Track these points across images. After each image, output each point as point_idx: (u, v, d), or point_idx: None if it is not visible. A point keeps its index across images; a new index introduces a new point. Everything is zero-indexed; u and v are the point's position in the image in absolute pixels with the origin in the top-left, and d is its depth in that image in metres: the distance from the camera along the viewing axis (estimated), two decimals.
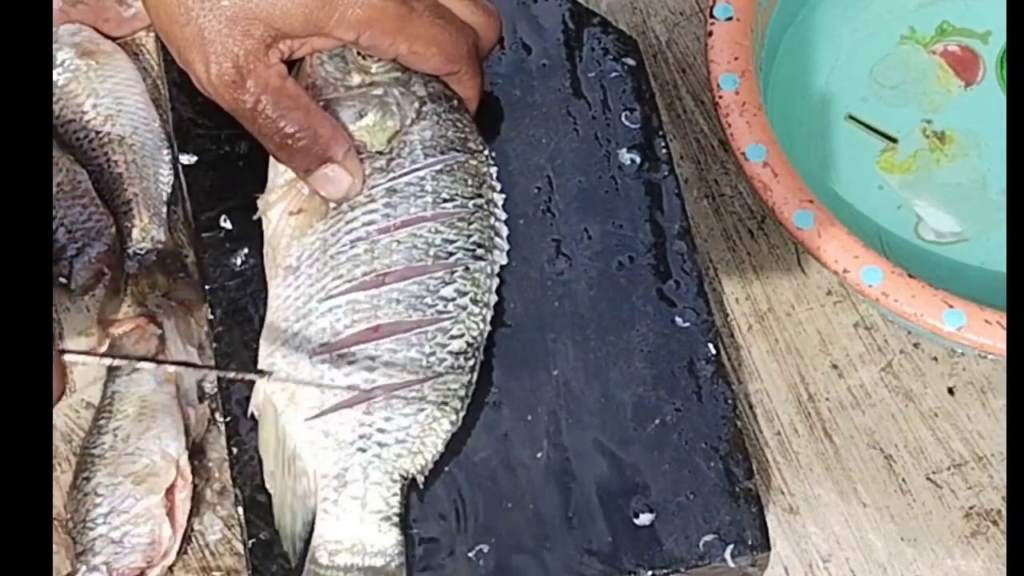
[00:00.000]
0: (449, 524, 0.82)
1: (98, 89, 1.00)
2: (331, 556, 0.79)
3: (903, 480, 0.95)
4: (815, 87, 1.03)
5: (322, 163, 0.82)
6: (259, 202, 0.85)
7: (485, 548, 0.81)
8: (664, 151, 0.91)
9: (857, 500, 0.95)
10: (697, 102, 1.05)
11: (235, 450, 0.83)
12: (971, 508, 0.94)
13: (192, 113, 0.90)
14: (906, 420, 0.96)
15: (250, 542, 0.81)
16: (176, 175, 0.95)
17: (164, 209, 0.98)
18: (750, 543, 0.82)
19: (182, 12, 0.80)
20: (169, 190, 0.99)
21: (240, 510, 0.82)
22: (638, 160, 0.91)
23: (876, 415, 0.97)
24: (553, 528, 0.81)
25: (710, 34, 0.95)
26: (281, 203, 0.84)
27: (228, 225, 0.87)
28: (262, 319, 0.84)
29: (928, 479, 0.95)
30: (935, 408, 0.97)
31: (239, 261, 0.87)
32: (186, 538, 0.91)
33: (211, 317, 0.85)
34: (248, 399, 0.83)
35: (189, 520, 0.92)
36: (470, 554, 0.81)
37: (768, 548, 0.82)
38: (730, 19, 0.95)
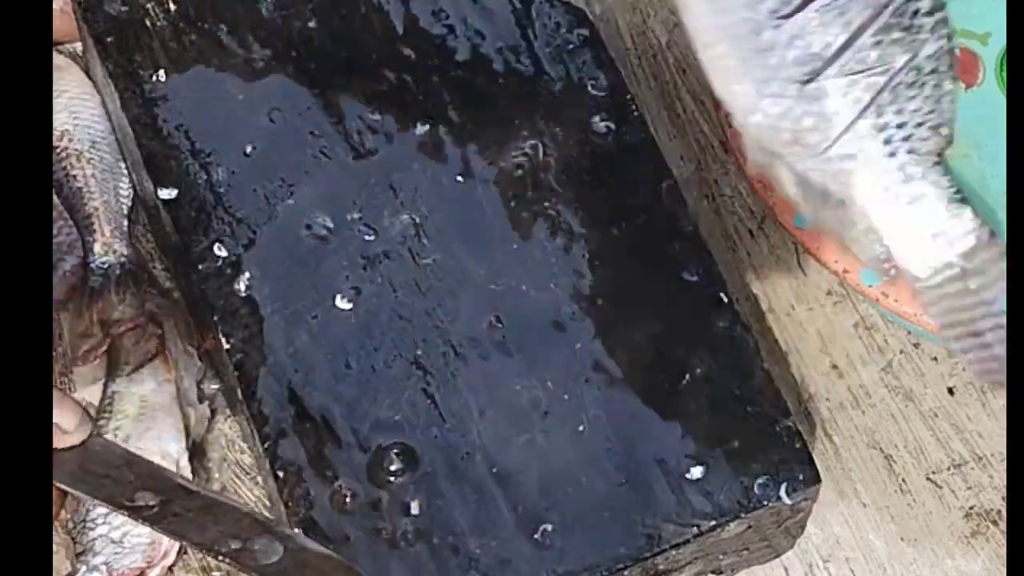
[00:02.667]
0: (507, 511, 0.82)
1: (53, 104, 0.99)
2: None
3: (903, 480, 0.95)
4: None
5: None
6: None
7: (549, 527, 0.82)
8: (636, 114, 0.92)
9: (857, 500, 0.95)
10: (697, 102, 1.05)
11: (281, 473, 0.83)
12: (971, 508, 0.94)
13: (162, 147, 0.90)
14: (906, 420, 0.97)
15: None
16: (155, 212, 0.94)
17: (125, 222, 0.98)
18: (801, 478, 0.83)
19: None
20: (129, 203, 0.99)
21: (298, 531, 0.82)
22: (613, 126, 0.91)
23: (876, 415, 0.97)
24: (609, 497, 0.82)
25: None
26: None
27: (223, 252, 0.87)
28: (284, 344, 0.84)
29: (928, 479, 0.95)
30: (935, 408, 0.97)
31: (242, 286, 0.87)
32: None
33: (227, 346, 0.85)
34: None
35: None
36: (536, 536, 0.82)
37: (819, 480, 0.84)
38: None
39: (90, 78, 1.02)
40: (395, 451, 0.83)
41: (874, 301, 0.89)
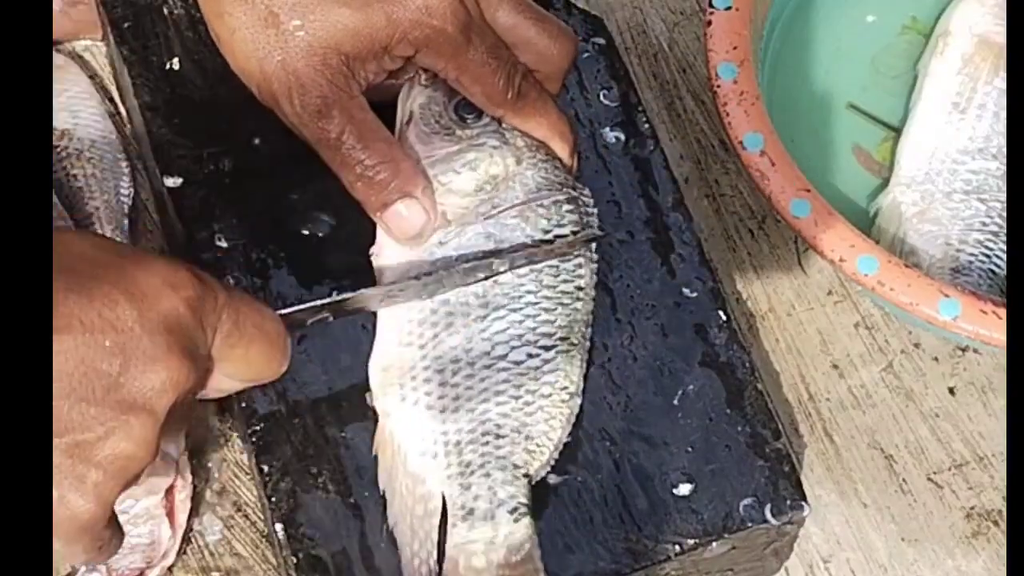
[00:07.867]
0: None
1: (53, 104, 0.99)
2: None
3: (904, 480, 0.95)
4: (816, 76, 1.03)
5: (401, 197, 0.82)
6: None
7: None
8: (647, 126, 0.91)
9: (858, 500, 0.95)
10: (697, 102, 1.05)
11: (265, 467, 0.82)
12: (972, 508, 0.94)
13: (171, 135, 0.90)
14: (907, 420, 0.96)
15: (293, 559, 0.81)
16: (161, 199, 0.94)
17: (126, 222, 0.98)
18: (788, 501, 0.83)
19: (259, 47, 0.81)
20: (130, 203, 0.99)
21: (280, 527, 0.81)
22: (623, 138, 0.91)
23: (877, 415, 0.97)
24: (597, 511, 0.82)
25: (708, 23, 0.95)
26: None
27: (223, 244, 0.87)
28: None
29: (929, 479, 0.95)
30: (936, 408, 0.97)
31: (241, 278, 0.87)
32: (186, 538, 0.91)
33: None
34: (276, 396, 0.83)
35: (189, 520, 0.92)
36: None
37: (806, 504, 0.83)
38: (729, 9, 0.95)
39: (90, 76, 1.02)
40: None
41: (870, 290, 0.89)
